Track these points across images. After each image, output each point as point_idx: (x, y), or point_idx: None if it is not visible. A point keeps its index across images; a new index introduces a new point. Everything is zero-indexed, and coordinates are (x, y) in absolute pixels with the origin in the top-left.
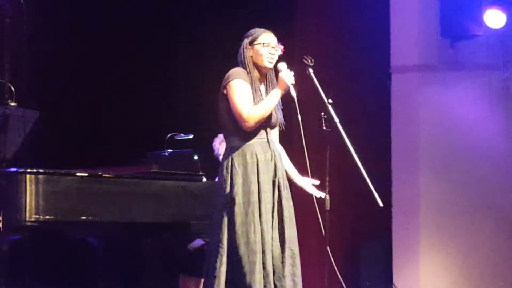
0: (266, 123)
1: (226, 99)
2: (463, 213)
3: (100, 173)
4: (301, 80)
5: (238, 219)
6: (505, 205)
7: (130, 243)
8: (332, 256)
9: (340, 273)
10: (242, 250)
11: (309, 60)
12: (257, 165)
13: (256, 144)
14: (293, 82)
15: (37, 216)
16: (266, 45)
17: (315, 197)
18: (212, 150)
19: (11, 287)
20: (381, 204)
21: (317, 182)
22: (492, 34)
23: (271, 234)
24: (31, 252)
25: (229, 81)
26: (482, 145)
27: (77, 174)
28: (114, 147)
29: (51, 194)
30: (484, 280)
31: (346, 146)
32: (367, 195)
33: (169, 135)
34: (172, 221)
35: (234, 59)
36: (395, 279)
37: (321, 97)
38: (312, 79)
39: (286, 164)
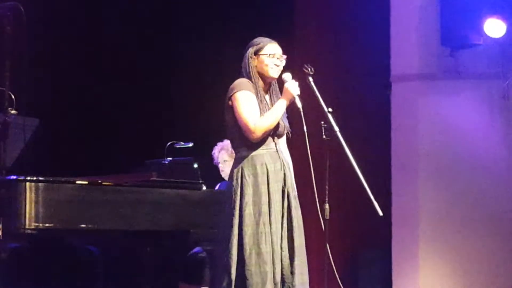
0: (273, 133)
1: (232, 110)
2: (463, 222)
3: (100, 181)
4: (301, 89)
5: (249, 230)
6: (505, 214)
7: (129, 251)
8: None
9: (340, 282)
10: (254, 260)
11: (309, 69)
12: (267, 175)
13: (265, 154)
14: (299, 93)
15: (37, 224)
16: (271, 56)
17: (319, 206)
18: (212, 159)
19: None
20: (380, 213)
21: None
22: (492, 43)
23: (281, 244)
24: (30, 260)
25: (234, 93)
26: (482, 154)
27: (77, 182)
28: (114, 155)
29: (51, 202)
30: None
31: (346, 155)
32: (367, 204)
33: (169, 143)
34: (172, 229)
35: (234, 68)
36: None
37: (321, 106)
38: (312, 88)
39: None
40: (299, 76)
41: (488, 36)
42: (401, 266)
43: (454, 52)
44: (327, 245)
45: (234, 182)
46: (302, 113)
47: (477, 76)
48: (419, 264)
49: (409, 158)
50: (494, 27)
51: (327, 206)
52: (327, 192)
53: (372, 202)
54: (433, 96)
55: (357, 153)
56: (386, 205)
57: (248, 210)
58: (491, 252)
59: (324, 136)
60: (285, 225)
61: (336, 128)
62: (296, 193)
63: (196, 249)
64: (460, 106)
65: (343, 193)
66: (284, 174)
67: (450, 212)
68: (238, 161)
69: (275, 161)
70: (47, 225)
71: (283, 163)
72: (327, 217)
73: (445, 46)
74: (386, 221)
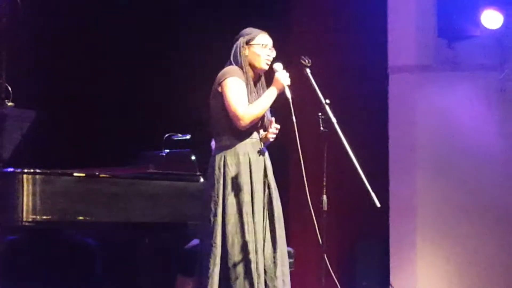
0: (259, 124)
1: (220, 97)
2: (460, 213)
3: (97, 173)
4: (298, 80)
5: (231, 219)
6: (502, 205)
7: (127, 243)
8: (329, 256)
9: (337, 273)
10: (236, 250)
11: (306, 61)
12: (250, 164)
13: (248, 144)
14: (289, 83)
15: (34, 217)
16: (264, 46)
17: (309, 197)
18: (210, 151)
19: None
20: (378, 205)
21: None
22: (489, 35)
23: (263, 234)
24: (28, 253)
25: (224, 79)
26: (479, 146)
27: (74, 174)
28: (112, 147)
29: (48, 194)
30: (482, 280)
31: (344, 146)
32: (365, 195)
33: (167, 135)
34: (169, 221)
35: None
36: (392, 279)
37: (319, 98)
38: (309, 79)
39: None
40: (296, 68)
41: (485, 28)
42: (398, 257)
43: (451, 43)
44: (323, 248)
45: (217, 171)
46: (291, 103)
47: (474, 67)
48: (417, 255)
49: (407, 149)
50: (491, 19)
51: (324, 197)
52: (324, 184)
53: (369, 194)
54: (430, 88)
55: (354, 145)
56: (384, 197)
57: (231, 199)
58: (488, 243)
59: (321, 128)
60: (266, 215)
61: (334, 120)
62: (275, 184)
63: (194, 241)
64: (457, 98)
65: (341, 185)
66: (265, 164)
67: (447, 204)
68: (220, 149)
69: (256, 151)
70: (44, 217)
71: (263, 154)
72: (325, 208)
73: (442, 37)
74: (384, 213)
